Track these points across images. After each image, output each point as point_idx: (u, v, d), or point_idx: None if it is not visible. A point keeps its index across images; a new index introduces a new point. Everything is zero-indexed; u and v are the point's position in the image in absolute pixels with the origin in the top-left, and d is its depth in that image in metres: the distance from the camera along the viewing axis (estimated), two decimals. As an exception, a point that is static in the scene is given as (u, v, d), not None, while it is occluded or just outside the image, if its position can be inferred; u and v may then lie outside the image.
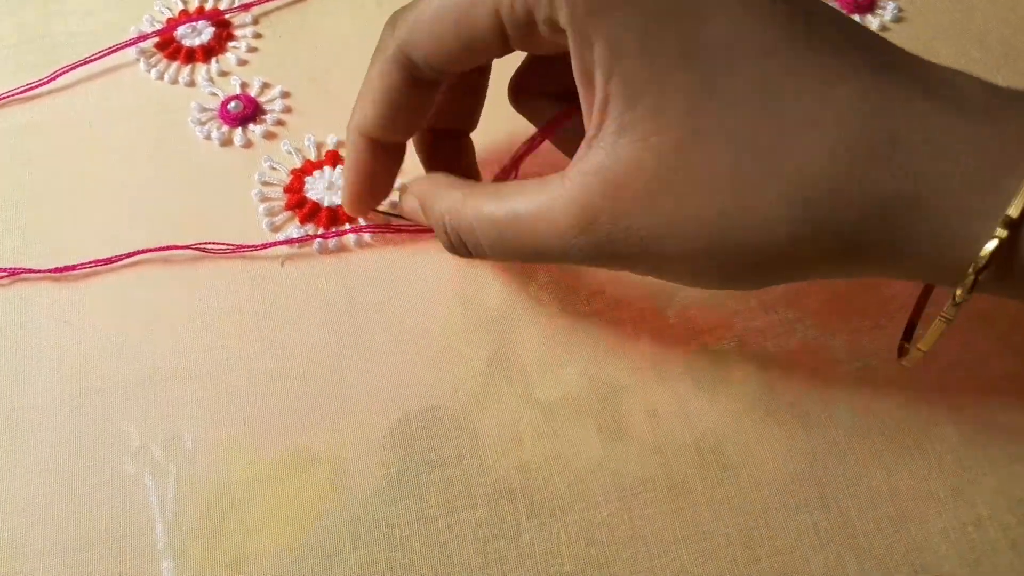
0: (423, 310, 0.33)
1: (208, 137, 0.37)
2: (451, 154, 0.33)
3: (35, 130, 0.37)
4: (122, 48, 0.39)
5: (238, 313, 0.33)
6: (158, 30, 0.40)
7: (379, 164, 0.31)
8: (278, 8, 0.42)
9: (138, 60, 0.40)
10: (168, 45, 0.40)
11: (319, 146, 0.37)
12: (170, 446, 0.30)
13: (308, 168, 0.36)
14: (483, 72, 0.31)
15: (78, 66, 0.39)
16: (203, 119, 0.38)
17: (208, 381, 0.31)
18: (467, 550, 0.28)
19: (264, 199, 0.35)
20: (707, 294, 0.33)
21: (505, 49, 0.26)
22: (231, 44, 0.41)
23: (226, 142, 0.37)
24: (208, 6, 0.42)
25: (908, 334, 0.28)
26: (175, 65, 0.40)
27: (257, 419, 0.30)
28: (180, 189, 0.36)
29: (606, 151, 0.23)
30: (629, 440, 0.30)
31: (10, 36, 0.40)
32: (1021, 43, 0.41)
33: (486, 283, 0.34)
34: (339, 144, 0.37)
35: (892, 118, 0.21)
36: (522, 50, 0.27)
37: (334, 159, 0.37)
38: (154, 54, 0.40)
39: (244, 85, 0.39)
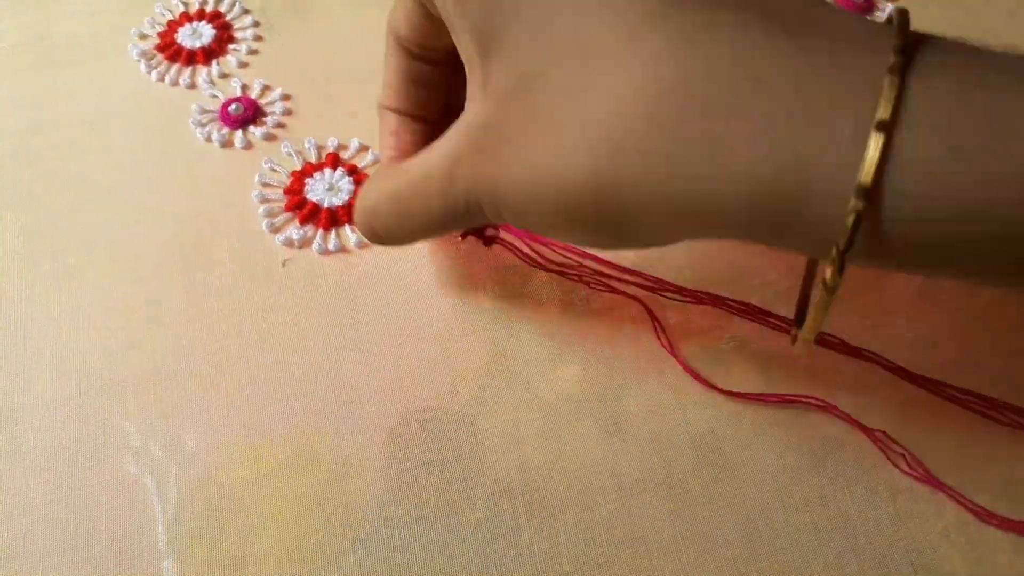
0: (423, 310, 0.33)
1: (209, 139, 0.37)
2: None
3: (35, 130, 0.37)
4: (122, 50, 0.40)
5: (239, 313, 0.33)
6: (159, 32, 0.41)
7: (407, 136, 0.31)
8: (278, 10, 0.42)
9: (139, 62, 0.40)
10: (169, 47, 0.40)
11: (319, 148, 0.37)
12: (171, 446, 0.30)
13: (308, 170, 0.36)
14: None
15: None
16: (204, 121, 0.38)
17: (209, 381, 0.31)
18: (466, 550, 0.28)
19: (264, 200, 0.36)
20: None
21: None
22: (232, 46, 0.41)
23: (227, 144, 0.37)
24: (209, 8, 0.42)
25: (799, 319, 0.26)
26: (176, 67, 0.40)
27: (258, 419, 0.31)
28: (181, 191, 0.36)
29: (473, 105, 0.24)
30: (628, 440, 0.30)
31: (11, 37, 0.41)
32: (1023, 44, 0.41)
33: (486, 283, 0.34)
34: (339, 147, 0.37)
35: (720, 58, 0.19)
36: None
37: (334, 161, 0.37)
38: (154, 56, 0.40)
39: (245, 87, 0.39)
